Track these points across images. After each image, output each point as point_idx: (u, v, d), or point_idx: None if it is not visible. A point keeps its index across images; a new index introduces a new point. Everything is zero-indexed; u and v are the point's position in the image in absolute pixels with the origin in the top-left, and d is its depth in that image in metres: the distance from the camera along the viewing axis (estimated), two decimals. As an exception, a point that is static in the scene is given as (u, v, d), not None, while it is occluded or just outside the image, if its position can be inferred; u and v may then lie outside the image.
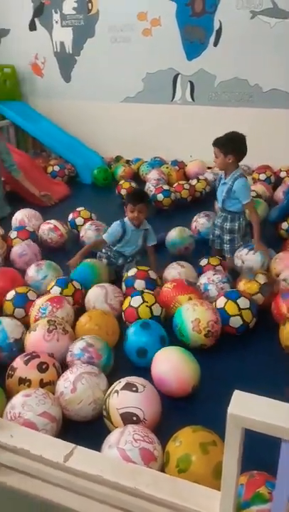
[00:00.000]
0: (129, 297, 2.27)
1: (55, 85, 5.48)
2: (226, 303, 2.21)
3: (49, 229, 3.19)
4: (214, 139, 2.75)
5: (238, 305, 2.18)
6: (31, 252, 2.91)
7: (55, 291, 2.35)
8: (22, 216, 3.42)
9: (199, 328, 2.05)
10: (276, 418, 0.96)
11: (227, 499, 1.10)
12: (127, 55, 4.97)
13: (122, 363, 2.02)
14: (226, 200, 2.76)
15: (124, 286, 2.49)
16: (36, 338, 1.96)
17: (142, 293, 2.26)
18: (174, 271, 2.59)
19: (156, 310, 2.21)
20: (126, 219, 2.74)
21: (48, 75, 5.49)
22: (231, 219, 2.79)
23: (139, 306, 2.20)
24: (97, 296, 2.33)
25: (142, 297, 2.23)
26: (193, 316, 2.07)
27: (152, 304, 2.21)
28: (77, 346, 1.90)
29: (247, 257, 2.58)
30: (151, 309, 2.19)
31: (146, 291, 2.31)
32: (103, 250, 2.83)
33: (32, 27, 5.37)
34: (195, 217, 3.33)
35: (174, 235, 3.08)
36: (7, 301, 2.33)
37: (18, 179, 3.85)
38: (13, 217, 3.44)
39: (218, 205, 2.93)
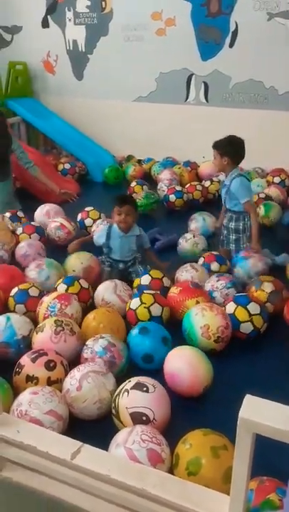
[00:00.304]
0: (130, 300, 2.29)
1: (67, 83, 5.48)
2: (235, 308, 2.17)
3: (56, 227, 3.19)
4: (214, 141, 2.86)
5: (248, 311, 2.14)
6: (34, 251, 2.87)
7: (62, 288, 2.36)
8: (46, 211, 3.45)
9: (209, 335, 2.03)
10: (288, 424, 0.94)
11: (236, 504, 1.08)
12: (140, 55, 4.96)
13: (130, 362, 2.00)
14: (228, 201, 2.85)
15: (149, 278, 2.46)
16: (44, 340, 1.95)
17: (140, 294, 2.26)
18: (187, 274, 2.55)
19: (156, 310, 2.19)
20: (114, 225, 2.68)
21: (60, 73, 5.50)
22: (236, 219, 2.85)
23: (137, 308, 2.20)
24: (106, 288, 2.35)
25: (140, 299, 2.22)
26: (202, 322, 2.04)
27: (150, 305, 2.19)
28: (99, 344, 1.88)
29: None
30: (149, 310, 2.18)
31: (145, 292, 2.29)
32: (103, 256, 2.78)
33: (45, 24, 5.38)
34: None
35: (186, 249, 2.98)
36: (10, 297, 2.34)
37: (36, 176, 3.86)
38: (37, 213, 3.47)
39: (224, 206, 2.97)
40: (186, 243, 2.98)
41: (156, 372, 1.89)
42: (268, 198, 3.74)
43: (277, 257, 2.87)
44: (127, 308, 2.26)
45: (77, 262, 2.64)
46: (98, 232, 2.74)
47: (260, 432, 0.98)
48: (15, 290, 2.34)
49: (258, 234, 2.76)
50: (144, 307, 2.19)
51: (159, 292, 2.33)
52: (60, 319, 2.02)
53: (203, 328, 2.03)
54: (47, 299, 2.21)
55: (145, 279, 2.46)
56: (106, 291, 2.34)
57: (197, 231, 3.19)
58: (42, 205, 3.54)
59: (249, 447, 1.01)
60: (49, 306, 2.17)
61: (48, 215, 3.43)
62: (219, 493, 1.16)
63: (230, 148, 2.77)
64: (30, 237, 3.07)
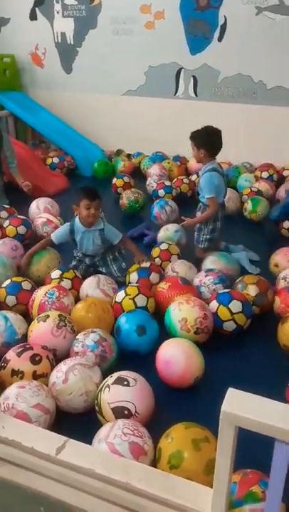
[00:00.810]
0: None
1: (55, 76, 5.43)
2: (218, 307, 2.17)
3: (42, 223, 3.18)
4: (191, 132, 2.83)
5: (230, 310, 2.14)
6: (7, 249, 2.77)
7: (56, 273, 2.43)
8: (45, 205, 3.43)
9: (187, 327, 2.04)
10: (270, 417, 0.95)
11: (219, 496, 1.09)
12: (129, 48, 4.93)
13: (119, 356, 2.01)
14: (200, 191, 2.89)
15: (136, 277, 2.47)
16: (44, 330, 1.96)
17: (125, 288, 2.28)
18: (183, 266, 2.59)
19: (140, 301, 2.21)
20: (76, 219, 2.59)
21: (49, 66, 5.44)
22: (202, 210, 2.91)
23: (122, 300, 2.22)
24: (89, 283, 2.36)
25: (125, 291, 2.25)
26: (180, 316, 2.06)
27: (135, 296, 2.22)
28: (91, 338, 1.89)
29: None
30: (134, 301, 2.21)
31: (130, 284, 2.32)
32: (74, 251, 2.74)
33: (33, 16, 5.31)
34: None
35: (160, 236, 3.07)
36: (2, 288, 2.34)
37: (14, 175, 3.84)
38: (33, 206, 3.45)
39: None
40: (160, 233, 3.09)
41: (147, 364, 1.91)
42: (259, 192, 3.74)
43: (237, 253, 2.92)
44: (113, 302, 2.27)
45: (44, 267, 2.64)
46: (58, 232, 2.65)
47: (242, 426, 0.99)
48: (7, 282, 2.35)
49: (198, 220, 2.87)
50: (129, 298, 2.21)
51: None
52: (64, 314, 2.04)
53: (181, 321, 2.05)
54: (46, 287, 2.24)
55: (145, 264, 2.55)
56: (90, 287, 2.35)
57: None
58: (36, 200, 3.51)
59: (231, 440, 1.02)
60: (47, 293, 2.19)
61: (41, 210, 3.41)
62: (202, 486, 1.17)
63: (206, 140, 2.75)
64: (16, 230, 3.06)
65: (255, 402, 1.00)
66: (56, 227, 3.17)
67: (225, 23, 4.47)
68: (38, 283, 2.46)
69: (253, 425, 0.96)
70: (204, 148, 2.74)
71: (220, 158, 2.93)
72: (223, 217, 2.93)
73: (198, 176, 4.13)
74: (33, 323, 2.04)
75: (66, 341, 1.96)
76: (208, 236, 2.90)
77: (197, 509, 1.14)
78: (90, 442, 1.45)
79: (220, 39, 4.56)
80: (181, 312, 2.07)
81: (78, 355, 1.85)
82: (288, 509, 1.27)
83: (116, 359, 1.94)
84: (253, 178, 4.13)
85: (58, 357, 1.93)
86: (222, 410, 0.99)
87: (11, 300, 2.30)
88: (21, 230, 3.08)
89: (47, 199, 3.55)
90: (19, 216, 3.22)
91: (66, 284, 2.39)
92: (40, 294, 2.20)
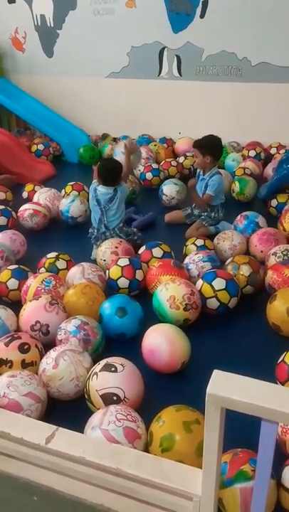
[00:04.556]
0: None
1: (37, 61, 5.29)
2: (202, 285, 2.20)
3: (30, 215, 3.11)
4: (194, 141, 3.09)
5: (212, 287, 2.16)
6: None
7: (52, 255, 2.48)
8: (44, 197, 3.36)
9: (176, 305, 2.05)
10: (255, 397, 0.94)
11: (208, 477, 1.10)
12: (111, 28, 4.80)
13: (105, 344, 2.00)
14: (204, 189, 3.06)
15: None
16: (37, 306, 1.99)
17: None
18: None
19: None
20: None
21: (30, 50, 5.30)
22: (210, 211, 3.11)
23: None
24: (74, 273, 2.35)
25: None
26: (167, 295, 2.07)
27: (118, 279, 2.36)
28: (72, 324, 1.90)
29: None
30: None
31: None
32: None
33: (11, -1, 5.16)
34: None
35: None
36: (8, 270, 2.38)
37: None
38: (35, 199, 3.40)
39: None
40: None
41: (136, 348, 1.91)
42: (253, 174, 3.70)
43: (220, 225, 3.08)
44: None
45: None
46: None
47: (227, 407, 0.99)
48: (15, 266, 2.41)
49: (197, 200, 3.12)
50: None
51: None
52: (55, 298, 2.06)
53: (170, 300, 2.06)
54: (42, 275, 2.25)
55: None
56: (74, 277, 2.33)
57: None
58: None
59: (218, 422, 1.02)
60: (44, 280, 2.20)
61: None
62: (192, 468, 1.18)
63: (212, 148, 3.01)
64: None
65: (240, 382, 0.99)
66: (45, 216, 3.15)
67: (206, -1, 4.37)
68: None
69: (238, 406, 0.96)
70: (210, 155, 2.99)
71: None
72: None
73: (186, 158, 4.12)
74: (24, 306, 2.05)
75: (59, 318, 1.98)
76: (212, 221, 3.09)
77: (188, 490, 1.15)
78: (82, 430, 1.45)
79: (202, 16, 4.44)
80: (168, 291, 2.08)
81: (62, 342, 1.84)
82: (278, 485, 1.28)
83: (101, 342, 1.94)
84: (240, 158, 4.09)
85: (50, 334, 1.94)
86: (207, 392, 0.98)
87: (13, 283, 2.32)
88: (2, 220, 3.03)
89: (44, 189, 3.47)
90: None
91: (61, 264, 2.44)
92: (36, 281, 2.20)
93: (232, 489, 1.22)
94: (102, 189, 2.80)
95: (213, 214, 3.11)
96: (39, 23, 5.15)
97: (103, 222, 2.82)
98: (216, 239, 2.77)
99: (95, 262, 2.62)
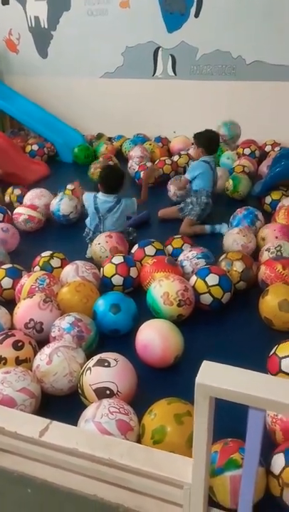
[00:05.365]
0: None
1: (31, 62, 5.31)
2: (195, 281, 2.23)
3: (24, 220, 3.12)
4: (194, 133, 3.31)
5: (206, 283, 2.19)
6: None
7: (46, 253, 2.50)
8: (31, 197, 3.39)
9: (170, 301, 2.07)
10: (242, 386, 0.96)
11: (199, 465, 1.12)
12: (105, 29, 4.83)
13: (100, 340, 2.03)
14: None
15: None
16: (31, 304, 2.01)
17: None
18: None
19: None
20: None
21: (24, 51, 5.32)
22: (195, 196, 3.24)
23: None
24: (68, 271, 2.37)
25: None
26: (161, 291, 2.10)
27: (112, 277, 2.38)
28: (66, 321, 1.91)
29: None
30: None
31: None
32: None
33: (4, 1, 5.16)
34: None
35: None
36: (2, 269, 2.38)
37: None
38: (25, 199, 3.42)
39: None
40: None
41: (129, 344, 1.93)
42: (250, 174, 3.75)
43: (217, 226, 3.13)
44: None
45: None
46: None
47: (216, 395, 1.01)
48: (9, 265, 2.42)
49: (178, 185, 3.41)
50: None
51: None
52: (48, 296, 2.07)
53: (164, 296, 2.08)
54: (36, 273, 2.27)
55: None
56: (68, 275, 2.34)
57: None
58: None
59: (207, 411, 1.04)
60: (38, 279, 2.21)
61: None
62: (182, 457, 1.20)
63: (205, 142, 3.22)
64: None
65: (228, 372, 1.01)
66: (40, 221, 3.16)
67: (200, -1, 4.39)
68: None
69: (226, 394, 0.98)
70: (203, 147, 3.23)
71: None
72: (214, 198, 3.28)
73: (180, 156, 4.16)
74: (18, 304, 2.07)
75: (53, 315, 2.00)
76: (199, 211, 3.18)
77: (178, 479, 1.17)
78: (76, 424, 1.47)
79: (196, 15, 4.47)
80: (162, 288, 2.11)
81: (56, 339, 1.86)
82: (267, 473, 1.30)
83: (95, 338, 1.96)
84: (235, 156, 4.11)
85: (44, 331, 1.96)
86: (196, 382, 1.00)
87: (7, 282, 2.33)
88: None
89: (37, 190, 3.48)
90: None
91: (55, 262, 2.46)
92: (31, 280, 2.22)
93: (222, 477, 1.24)
94: (102, 197, 2.79)
95: (195, 200, 3.20)
96: (33, 25, 5.17)
97: (99, 229, 2.82)
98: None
99: (90, 260, 2.63)
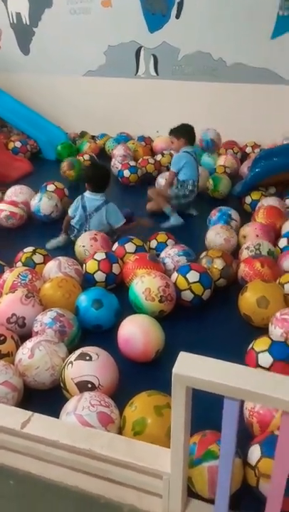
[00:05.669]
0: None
1: (13, 58, 5.27)
2: (177, 278, 2.27)
3: (6, 217, 3.12)
4: (170, 129, 3.42)
5: (187, 279, 2.23)
6: None
7: (29, 249, 2.51)
8: (11, 194, 3.38)
9: (152, 296, 2.11)
10: (217, 376, 1.00)
11: (176, 455, 1.15)
12: (87, 27, 4.83)
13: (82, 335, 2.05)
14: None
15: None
16: (13, 299, 2.03)
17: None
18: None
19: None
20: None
21: (6, 48, 5.28)
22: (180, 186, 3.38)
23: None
24: (50, 267, 2.38)
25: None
26: (143, 287, 2.13)
27: (94, 273, 2.41)
28: (48, 316, 1.93)
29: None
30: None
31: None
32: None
33: (-15, -3, 5.13)
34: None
35: None
36: None
37: None
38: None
39: None
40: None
41: (111, 338, 1.96)
42: (232, 174, 3.83)
43: (175, 216, 3.27)
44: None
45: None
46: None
47: (192, 385, 1.04)
48: None
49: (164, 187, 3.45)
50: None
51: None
52: (31, 292, 2.09)
53: (145, 292, 2.12)
54: (18, 269, 2.28)
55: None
56: (51, 270, 2.36)
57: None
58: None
59: (184, 401, 1.08)
60: (20, 274, 2.22)
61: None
62: (162, 448, 1.24)
63: (185, 131, 3.36)
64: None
65: (203, 363, 1.05)
66: (21, 217, 3.15)
67: (182, 0, 4.43)
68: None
69: (202, 384, 1.02)
70: (184, 137, 3.35)
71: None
72: (197, 190, 3.39)
73: (163, 156, 4.21)
74: (0, 299, 2.08)
75: (35, 311, 2.01)
76: (181, 195, 3.34)
77: (157, 469, 1.20)
78: (58, 417, 1.49)
79: (178, 16, 4.51)
80: (144, 284, 2.14)
81: (38, 334, 1.88)
82: (244, 464, 1.35)
83: (78, 333, 1.98)
84: (216, 154, 4.18)
85: (27, 326, 1.98)
86: (173, 372, 1.04)
87: None
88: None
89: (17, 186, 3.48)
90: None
91: (38, 258, 2.48)
92: (13, 275, 2.23)
93: (200, 467, 1.28)
94: (89, 195, 2.82)
95: (182, 191, 3.32)
96: (15, 21, 5.14)
97: (84, 228, 2.85)
98: None
99: (54, 250, 2.73)
